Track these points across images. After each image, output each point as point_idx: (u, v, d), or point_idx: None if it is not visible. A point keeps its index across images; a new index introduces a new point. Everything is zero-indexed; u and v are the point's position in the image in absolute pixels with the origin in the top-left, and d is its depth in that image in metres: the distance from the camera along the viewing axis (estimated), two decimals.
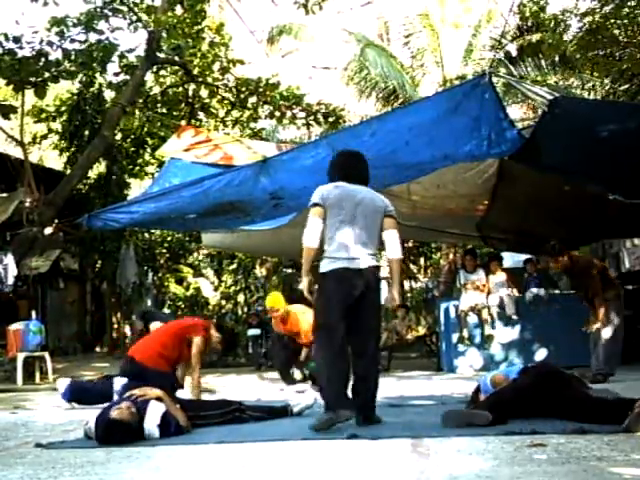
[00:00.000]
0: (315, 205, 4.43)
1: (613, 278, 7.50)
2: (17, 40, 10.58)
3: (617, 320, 6.95)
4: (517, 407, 4.29)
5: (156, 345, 5.93)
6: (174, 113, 15.25)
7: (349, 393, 4.37)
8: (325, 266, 4.44)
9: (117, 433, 4.08)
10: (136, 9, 11.53)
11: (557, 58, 13.64)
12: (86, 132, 14.92)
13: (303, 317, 7.50)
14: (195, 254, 19.48)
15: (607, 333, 6.91)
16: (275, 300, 7.78)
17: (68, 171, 13.88)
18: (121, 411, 4.14)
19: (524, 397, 4.32)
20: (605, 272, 7.30)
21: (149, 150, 16.99)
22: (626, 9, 9.72)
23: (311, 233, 4.40)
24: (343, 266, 4.40)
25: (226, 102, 14.76)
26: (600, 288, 6.89)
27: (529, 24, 14.38)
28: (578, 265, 7.07)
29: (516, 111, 15.52)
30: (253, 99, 13.86)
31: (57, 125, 15.97)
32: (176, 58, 13.08)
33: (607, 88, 12.48)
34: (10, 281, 10.19)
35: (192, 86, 14.76)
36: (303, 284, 4.52)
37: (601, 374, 6.81)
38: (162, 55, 12.67)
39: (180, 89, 14.97)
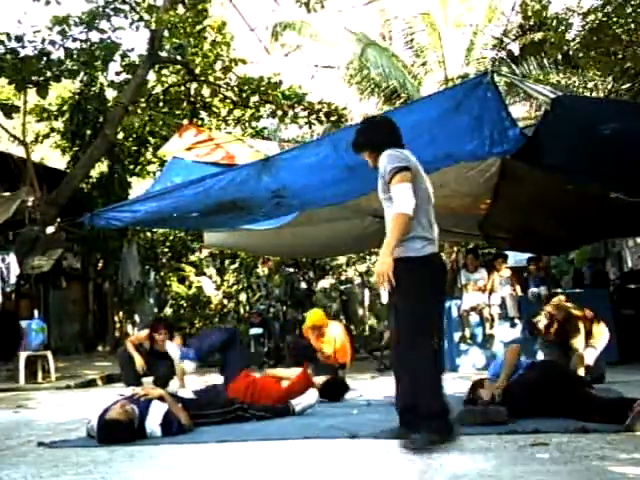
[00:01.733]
0: (405, 169, 3.68)
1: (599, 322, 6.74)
2: (19, 39, 10.57)
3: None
4: (526, 402, 4.28)
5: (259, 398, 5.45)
6: (176, 112, 15.25)
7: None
8: (413, 249, 3.66)
9: (113, 433, 4.09)
10: (138, 8, 11.51)
11: (560, 57, 13.61)
12: (88, 131, 14.94)
13: (339, 334, 7.51)
14: (197, 253, 19.48)
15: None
16: (316, 317, 7.63)
17: (70, 170, 13.89)
18: (114, 411, 4.15)
19: (532, 392, 4.32)
20: (593, 322, 6.62)
21: (151, 149, 17.00)
22: (629, 8, 9.70)
23: (409, 199, 3.61)
24: (434, 251, 3.75)
25: (228, 101, 14.75)
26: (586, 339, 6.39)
27: (531, 23, 14.36)
28: (568, 325, 6.52)
29: (519, 110, 15.49)
30: (255, 98, 13.85)
31: (59, 124, 15.99)
32: (178, 57, 13.08)
33: (609, 87, 12.46)
34: (12, 280, 10.19)
35: (194, 85, 14.77)
36: (385, 264, 3.53)
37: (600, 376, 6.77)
38: (164, 54, 12.67)
39: (182, 88, 14.97)
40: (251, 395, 5.35)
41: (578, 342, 6.30)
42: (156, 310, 17.94)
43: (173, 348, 6.05)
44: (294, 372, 5.88)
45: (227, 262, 18.70)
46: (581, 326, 6.39)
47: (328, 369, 7.10)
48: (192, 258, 19.65)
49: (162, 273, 18.80)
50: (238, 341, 7.13)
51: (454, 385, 7.09)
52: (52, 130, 16.21)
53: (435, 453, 3.38)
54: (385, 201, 3.84)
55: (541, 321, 6.45)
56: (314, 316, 7.77)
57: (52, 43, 10.83)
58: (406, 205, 3.61)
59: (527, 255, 10.58)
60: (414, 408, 3.63)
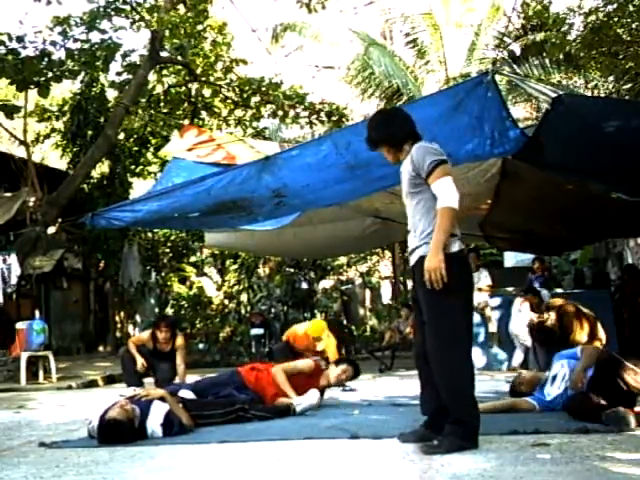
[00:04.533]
0: (445, 162, 3.60)
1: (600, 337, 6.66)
2: (20, 40, 10.58)
3: None
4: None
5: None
6: (177, 112, 15.26)
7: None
8: (449, 245, 3.55)
9: (114, 433, 4.08)
10: (139, 8, 11.52)
11: (561, 57, 13.61)
12: (89, 132, 14.95)
13: (328, 333, 7.54)
14: (198, 253, 19.50)
15: None
16: (318, 328, 7.72)
17: (71, 171, 13.89)
18: (115, 411, 4.15)
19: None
20: (595, 325, 6.56)
21: (152, 150, 17.01)
22: (630, 7, 9.68)
23: (455, 192, 3.53)
24: (463, 247, 3.68)
25: (229, 101, 14.75)
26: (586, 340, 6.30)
27: (533, 23, 14.36)
28: (566, 317, 6.56)
29: (519, 111, 15.49)
30: (256, 98, 13.85)
31: (60, 125, 15.99)
32: (179, 57, 13.09)
33: (610, 87, 12.45)
34: (14, 281, 10.19)
35: (195, 85, 14.77)
36: (437, 260, 3.43)
37: None
38: (165, 54, 12.68)
39: (183, 88, 14.98)
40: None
41: (581, 337, 6.30)
42: (157, 310, 17.96)
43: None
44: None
45: (228, 262, 18.71)
46: (585, 324, 6.40)
47: None
48: (193, 258, 19.67)
49: (163, 273, 18.82)
50: None
51: None
52: (53, 130, 16.21)
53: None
54: (412, 195, 3.73)
55: (549, 318, 6.45)
56: (317, 327, 7.81)
57: (53, 43, 10.83)
58: (453, 199, 3.52)
59: (529, 255, 10.58)
60: (445, 411, 3.54)
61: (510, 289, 9.71)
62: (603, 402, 4.12)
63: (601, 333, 6.51)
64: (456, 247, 3.59)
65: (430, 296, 3.53)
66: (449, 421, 3.49)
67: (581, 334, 6.36)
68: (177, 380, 7.13)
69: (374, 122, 4.01)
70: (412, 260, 3.78)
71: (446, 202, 3.52)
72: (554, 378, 4.73)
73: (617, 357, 4.46)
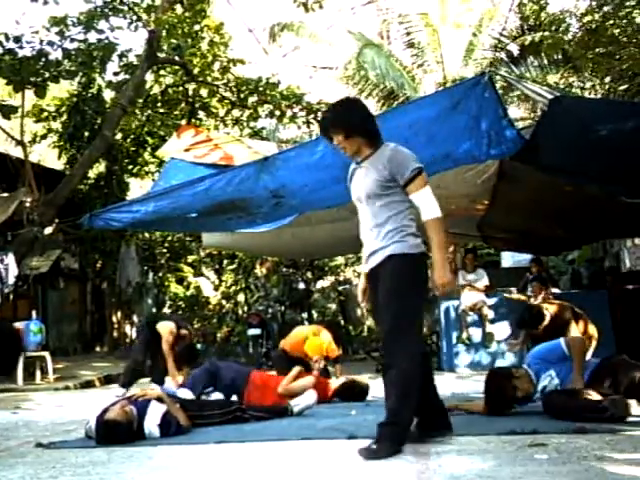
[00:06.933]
0: (423, 169, 3.62)
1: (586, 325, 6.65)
2: (17, 40, 10.57)
3: None
4: None
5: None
6: (174, 112, 15.26)
7: None
8: (415, 245, 3.62)
9: (113, 433, 4.09)
10: (136, 8, 11.51)
11: (560, 57, 13.61)
12: (86, 132, 14.93)
13: (323, 336, 7.53)
14: (195, 254, 19.48)
15: None
16: (316, 348, 7.27)
17: (68, 171, 13.87)
18: (114, 411, 4.15)
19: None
20: (587, 323, 6.57)
21: (149, 150, 17.00)
22: (625, 9, 9.71)
23: (436, 202, 3.57)
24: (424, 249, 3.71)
25: (226, 101, 14.76)
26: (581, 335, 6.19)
27: (531, 23, 14.37)
28: (557, 321, 6.47)
29: (515, 112, 15.49)
30: (253, 98, 13.86)
31: (57, 125, 15.97)
32: (176, 58, 13.09)
33: (607, 88, 12.46)
34: (11, 281, 10.17)
35: (192, 85, 14.77)
36: (450, 277, 3.58)
37: None
38: (162, 55, 12.68)
39: (180, 89, 14.98)
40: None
41: (573, 332, 6.32)
42: (154, 310, 17.94)
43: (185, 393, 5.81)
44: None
45: (225, 263, 18.70)
46: (581, 322, 6.44)
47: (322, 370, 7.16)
48: (190, 259, 19.64)
49: (160, 274, 18.79)
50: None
51: (452, 385, 7.12)
52: (50, 131, 16.18)
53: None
54: (378, 197, 3.69)
55: (545, 318, 6.45)
56: (314, 347, 7.31)
57: (50, 44, 10.82)
58: (437, 209, 3.55)
59: (526, 256, 10.58)
60: (431, 407, 3.63)
61: (507, 289, 9.74)
62: (597, 397, 4.17)
63: (594, 331, 6.55)
64: (419, 247, 3.64)
65: (394, 295, 3.54)
66: (385, 423, 3.50)
67: (575, 332, 6.39)
68: (169, 378, 7.09)
69: (335, 105, 3.96)
70: (374, 261, 3.77)
71: (433, 213, 3.55)
72: (545, 389, 4.70)
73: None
